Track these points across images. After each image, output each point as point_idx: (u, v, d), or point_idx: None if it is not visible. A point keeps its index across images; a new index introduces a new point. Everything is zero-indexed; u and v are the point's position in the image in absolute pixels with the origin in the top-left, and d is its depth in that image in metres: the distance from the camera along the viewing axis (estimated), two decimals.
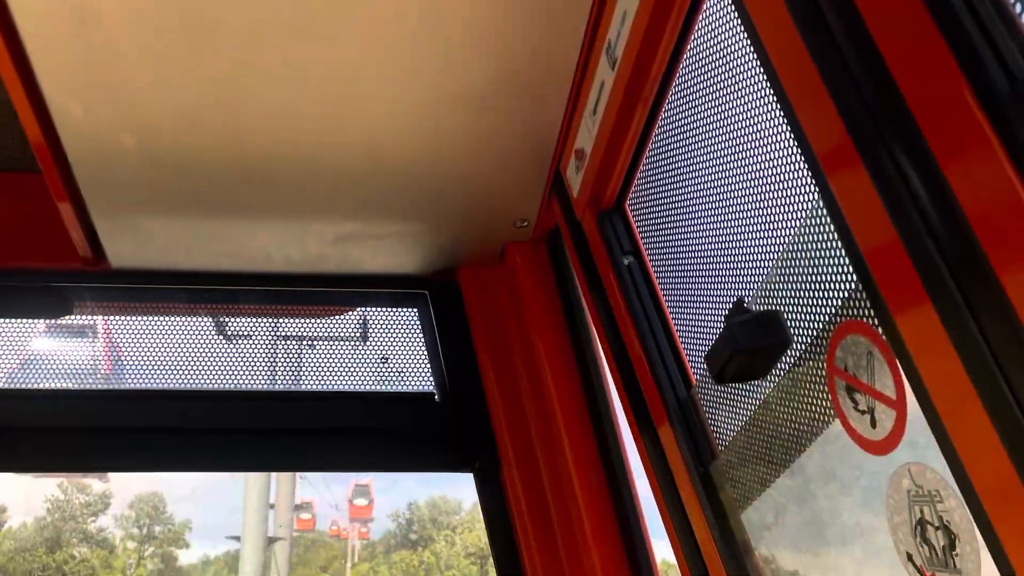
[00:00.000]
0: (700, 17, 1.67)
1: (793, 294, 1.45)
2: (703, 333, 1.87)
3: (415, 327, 2.89)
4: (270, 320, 2.98)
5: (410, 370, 2.85)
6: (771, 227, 1.53)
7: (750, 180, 1.59)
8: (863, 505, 1.41)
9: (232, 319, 2.92)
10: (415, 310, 2.91)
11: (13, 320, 2.78)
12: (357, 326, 2.96)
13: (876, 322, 1.20)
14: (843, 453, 1.38)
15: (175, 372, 2.77)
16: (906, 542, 1.20)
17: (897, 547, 1.22)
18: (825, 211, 1.23)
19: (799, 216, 1.42)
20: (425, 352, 2.86)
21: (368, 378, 2.85)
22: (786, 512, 1.67)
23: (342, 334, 2.94)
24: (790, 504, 1.65)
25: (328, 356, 2.87)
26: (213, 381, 2.77)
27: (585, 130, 2.11)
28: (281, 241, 2.62)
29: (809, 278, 1.40)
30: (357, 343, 2.92)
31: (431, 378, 2.82)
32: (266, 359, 2.92)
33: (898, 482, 1.21)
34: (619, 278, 2.10)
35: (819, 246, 1.35)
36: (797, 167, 1.40)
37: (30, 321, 2.83)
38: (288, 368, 2.94)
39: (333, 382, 2.84)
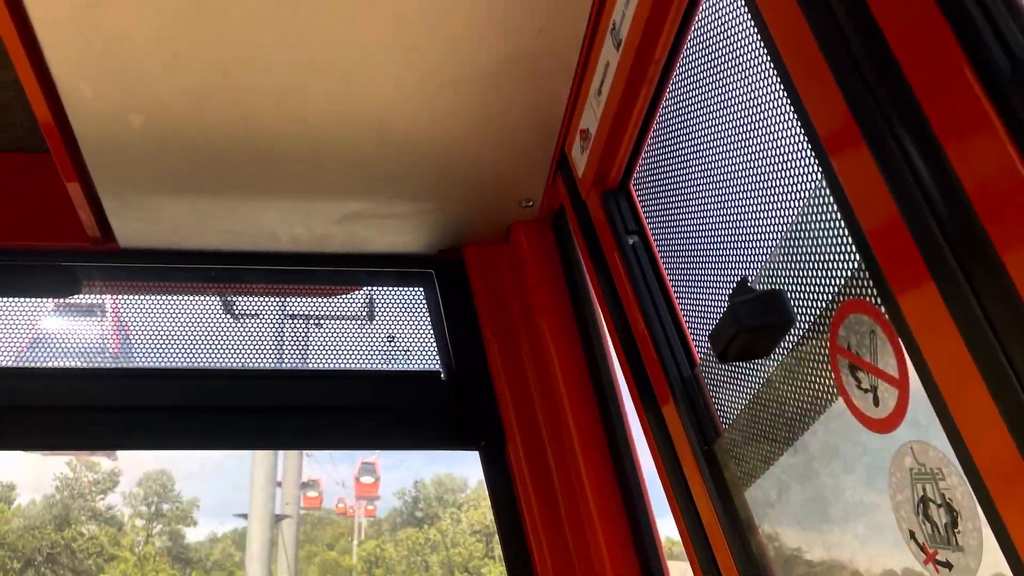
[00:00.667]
0: None
1: (796, 273, 1.46)
2: (707, 312, 1.88)
3: (421, 306, 2.90)
4: (277, 299, 2.98)
5: (416, 348, 2.86)
6: (774, 206, 1.53)
7: (753, 160, 1.59)
8: (866, 483, 1.42)
9: (239, 298, 2.93)
10: (421, 289, 2.91)
11: (22, 299, 2.79)
12: (363, 305, 2.96)
13: (879, 301, 1.20)
14: (846, 431, 1.39)
15: (183, 351, 2.78)
16: (908, 520, 1.20)
17: (899, 525, 1.23)
18: (828, 190, 1.24)
19: (802, 195, 1.43)
20: (431, 331, 2.86)
21: (374, 357, 2.86)
22: (789, 490, 1.67)
23: (348, 313, 2.95)
24: (793, 482, 1.65)
25: (334, 335, 2.88)
26: (221, 360, 2.78)
27: (590, 110, 2.11)
28: (288, 220, 2.62)
29: (812, 257, 1.40)
30: (363, 322, 2.93)
31: (437, 356, 2.83)
32: (273, 338, 2.93)
33: (900, 460, 1.22)
34: (623, 257, 2.11)
35: (822, 225, 1.35)
36: (800, 147, 1.41)
37: (39, 300, 2.84)
38: (295, 347, 2.95)
39: (340, 361, 2.84)
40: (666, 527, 2.45)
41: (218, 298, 2.88)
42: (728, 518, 1.80)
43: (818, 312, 1.40)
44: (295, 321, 2.97)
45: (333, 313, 2.96)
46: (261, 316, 2.94)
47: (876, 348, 1.23)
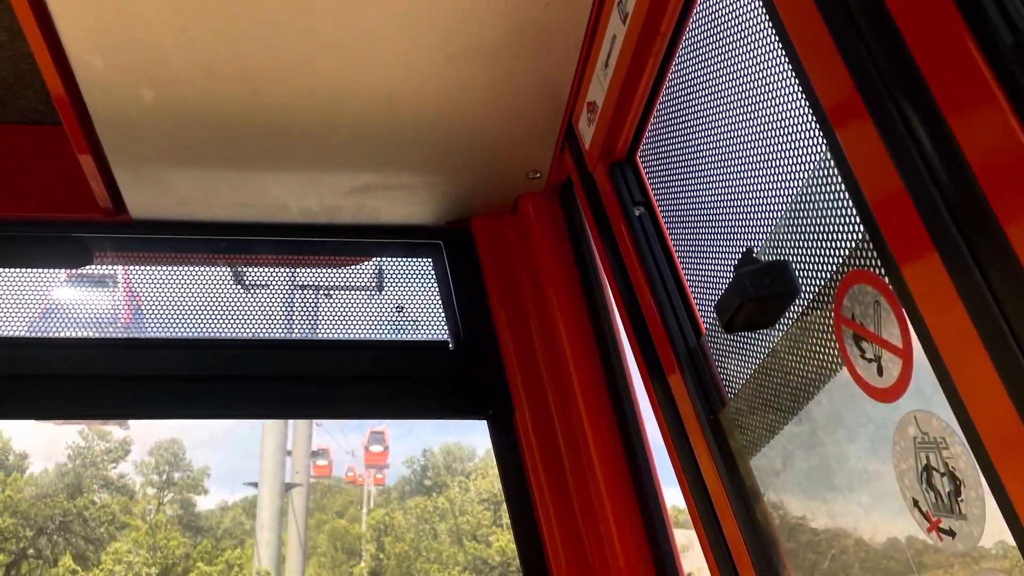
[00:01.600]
0: None
1: (801, 244, 1.47)
2: (713, 283, 1.89)
3: (430, 277, 2.91)
4: (287, 270, 3.00)
5: (425, 319, 2.88)
6: (779, 179, 1.54)
7: (759, 132, 1.60)
8: (870, 452, 1.43)
9: (250, 269, 2.94)
10: (430, 260, 2.93)
11: (35, 270, 2.81)
12: (373, 276, 2.98)
13: (882, 272, 1.21)
14: (850, 401, 1.40)
15: (194, 321, 2.80)
16: (912, 488, 1.22)
17: (903, 493, 1.24)
18: (832, 162, 1.24)
19: (807, 168, 1.44)
20: (439, 301, 2.88)
21: (384, 327, 2.87)
22: (794, 459, 1.68)
23: (358, 284, 2.96)
24: (798, 451, 1.66)
25: (344, 305, 2.90)
26: (231, 330, 2.80)
27: (597, 83, 2.11)
28: (298, 192, 2.64)
29: (817, 229, 1.41)
30: (373, 292, 2.94)
31: (445, 327, 2.85)
32: (283, 308, 2.95)
33: (904, 429, 1.23)
34: (630, 229, 2.12)
35: (826, 197, 1.36)
36: (805, 119, 1.41)
37: (52, 271, 2.86)
38: (305, 317, 2.97)
39: (349, 331, 2.86)
40: (672, 495, 2.47)
41: (229, 269, 2.90)
42: (733, 486, 1.82)
43: (822, 283, 1.41)
44: (305, 292, 2.98)
45: (343, 284, 2.97)
46: (271, 287, 2.96)
47: (880, 318, 1.24)
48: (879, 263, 1.21)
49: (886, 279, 1.20)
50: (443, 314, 2.86)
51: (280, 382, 2.75)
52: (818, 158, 1.38)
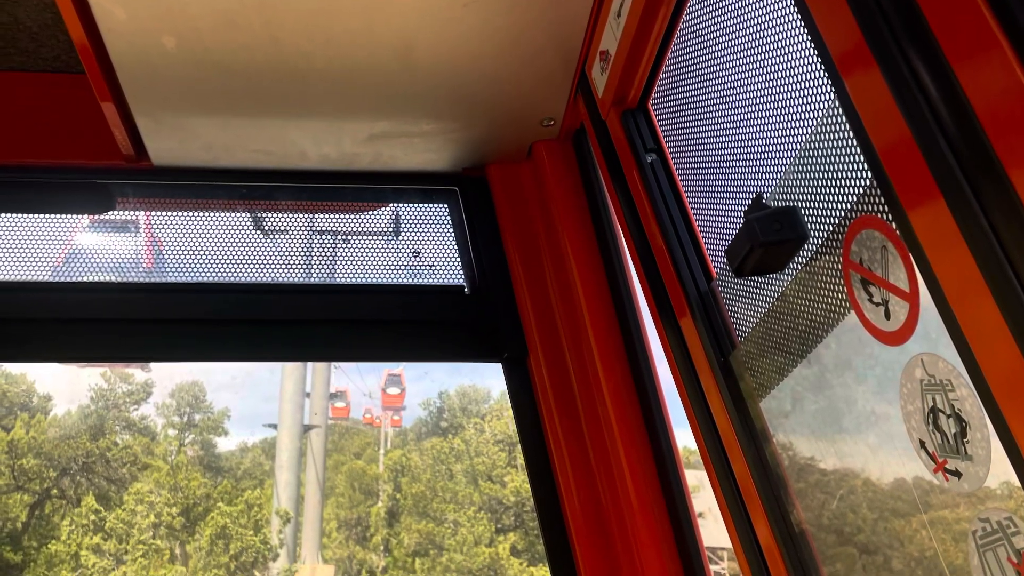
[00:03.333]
0: None
1: (810, 190, 1.48)
2: (723, 228, 1.90)
3: (446, 222, 2.93)
4: (306, 216, 3.02)
5: (441, 264, 2.90)
6: (789, 125, 1.55)
7: (769, 80, 1.60)
8: (877, 394, 1.44)
9: (269, 215, 2.96)
10: (446, 206, 2.94)
11: (59, 216, 2.84)
12: (390, 221, 3.00)
13: (890, 217, 1.23)
14: (858, 344, 1.41)
15: (214, 266, 2.82)
16: (919, 430, 1.24)
17: (910, 434, 1.27)
18: (841, 110, 1.26)
19: (816, 115, 1.45)
20: (455, 246, 2.90)
21: (400, 271, 2.89)
22: (803, 400, 1.70)
23: (375, 229, 2.98)
24: (807, 393, 1.68)
25: (362, 250, 2.92)
26: (251, 274, 2.83)
27: (610, 32, 2.11)
28: (317, 139, 2.65)
29: (825, 175, 1.42)
30: (390, 238, 2.96)
31: (461, 271, 2.87)
32: (302, 253, 2.97)
33: (911, 372, 1.25)
34: (642, 175, 2.13)
35: (835, 144, 1.37)
36: (814, 67, 1.42)
37: (75, 217, 2.89)
38: (323, 262, 2.99)
39: (367, 275, 2.89)
40: (683, 437, 2.50)
41: (249, 215, 2.92)
42: (744, 428, 1.84)
43: (831, 228, 1.43)
44: (323, 237, 3.00)
45: (360, 229, 2.99)
46: (290, 232, 2.98)
47: (887, 263, 1.26)
48: (886, 209, 1.23)
49: (893, 224, 1.22)
50: (459, 259, 2.88)
51: (299, 325, 2.78)
52: (826, 105, 1.39)
